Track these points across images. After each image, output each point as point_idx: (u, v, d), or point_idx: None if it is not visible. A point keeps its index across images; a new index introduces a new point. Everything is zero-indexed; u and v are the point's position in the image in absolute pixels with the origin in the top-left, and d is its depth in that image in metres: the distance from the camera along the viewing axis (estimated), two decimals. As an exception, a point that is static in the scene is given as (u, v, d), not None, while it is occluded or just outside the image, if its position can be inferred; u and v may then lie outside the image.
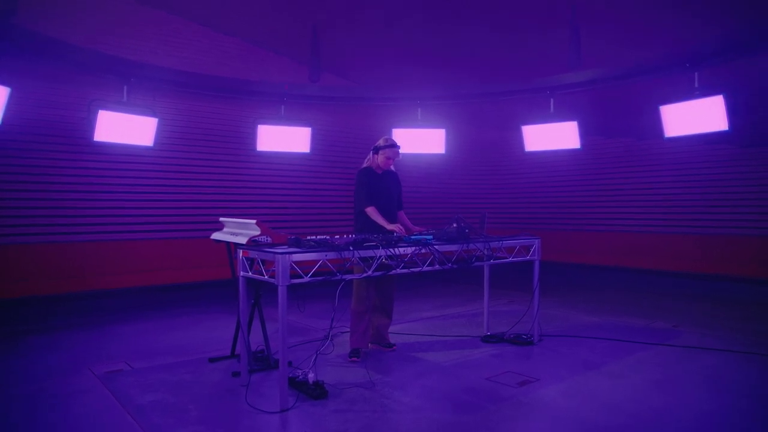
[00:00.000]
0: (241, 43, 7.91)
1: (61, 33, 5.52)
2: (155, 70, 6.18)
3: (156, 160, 7.28)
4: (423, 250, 3.57)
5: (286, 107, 6.89)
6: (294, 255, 3.05)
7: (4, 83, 4.65)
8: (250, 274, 3.33)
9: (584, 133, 6.35)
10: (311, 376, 3.29)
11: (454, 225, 3.86)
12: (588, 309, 5.97)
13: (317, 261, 3.18)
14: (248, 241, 3.37)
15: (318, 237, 3.38)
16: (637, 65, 5.66)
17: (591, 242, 9.63)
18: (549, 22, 5.96)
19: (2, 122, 4.71)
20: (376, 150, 4.19)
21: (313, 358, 3.46)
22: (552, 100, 6.43)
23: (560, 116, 6.38)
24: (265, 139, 6.71)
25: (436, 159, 8.19)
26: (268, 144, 6.75)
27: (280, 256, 2.98)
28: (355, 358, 4.00)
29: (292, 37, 7.48)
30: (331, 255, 3.19)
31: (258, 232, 3.41)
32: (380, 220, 3.98)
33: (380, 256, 3.39)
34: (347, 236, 3.57)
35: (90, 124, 5.47)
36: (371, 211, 4.02)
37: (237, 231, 3.69)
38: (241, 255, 3.36)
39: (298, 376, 3.38)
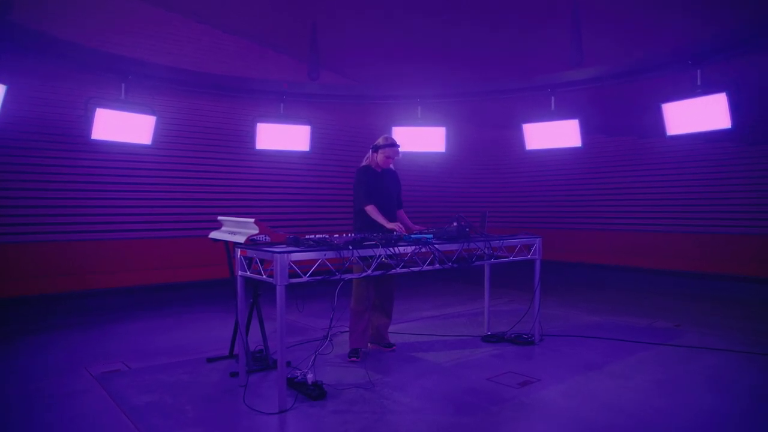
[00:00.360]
0: (240, 41, 7.87)
1: (58, 30, 5.48)
2: (154, 67, 6.14)
3: (154, 159, 7.24)
4: (423, 249, 3.53)
5: (286, 105, 6.85)
6: (292, 254, 3.01)
7: (0, 81, 4.61)
8: (248, 273, 3.29)
9: (585, 132, 6.32)
10: (310, 377, 3.26)
11: (455, 224, 3.82)
12: (589, 308, 5.93)
13: (316, 260, 3.14)
14: (246, 240, 3.33)
15: (317, 236, 3.34)
16: (639, 63, 5.63)
17: (592, 241, 9.60)
18: (550, 19, 5.92)
19: (-1, 120, 4.68)
20: (376, 149, 4.15)
21: (312, 358, 3.42)
22: (553, 98, 6.39)
23: (561, 114, 6.34)
24: (264, 137, 6.67)
25: (437, 157, 8.15)
26: (267, 142, 6.71)
27: (278, 255, 2.95)
28: (354, 358, 3.96)
29: (292, 34, 7.44)
30: (330, 254, 3.15)
31: (256, 231, 3.38)
32: (380, 219, 3.94)
33: (380, 256, 3.35)
34: (346, 235, 3.54)
35: (87, 123, 5.43)
36: (371, 210, 3.99)
37: (235, 230, 3.65)
38: (239, 254, 3.32)
39: (297, 376, 3.34)
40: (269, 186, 8.47)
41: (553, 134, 6.44)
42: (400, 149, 4.21)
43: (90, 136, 5.47)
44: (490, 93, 6.85)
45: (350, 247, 3.19)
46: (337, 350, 4.19)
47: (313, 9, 6.29)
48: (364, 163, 4.22)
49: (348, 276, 3.29)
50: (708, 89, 4.99)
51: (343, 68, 8.23)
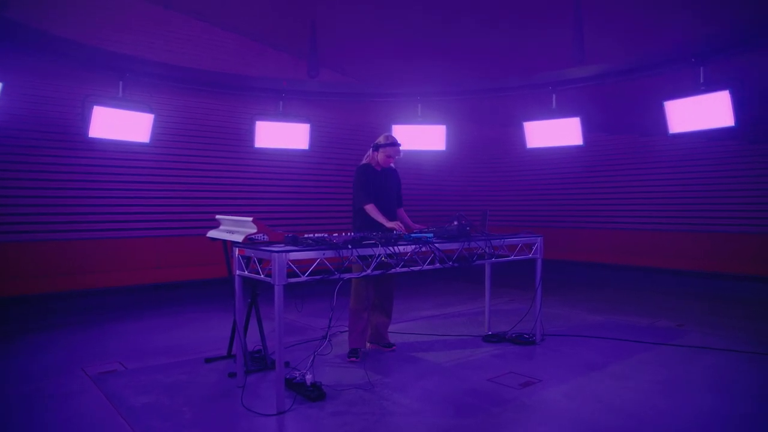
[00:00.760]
0: (239, 39, 7.82)
1: (54, 27, 5.42)
2: (151, 65, 6.09)
3: (152, 157, 7.19)
4: (423, 249, 3.49)
5: (285, 103, 6.80)
6: (291, 253, 2.97)
7: (-4, 78, 4.57)
8: (246, 272, 3.25)
9: (587, 130, 6.27)
10: (309, 377, 3.22)
11: (455, 223, 3.78)
12: (590, 308, 5.89)
13: (315, 259, 3.10)
14: (244, 239, 3.29)
15: (316, 235, 3.30)
16: (641, 60, 5.57)
17: (593, 240, 9.55)
18: (551, 16, 5.86)
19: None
20: (377, 147, 4.11)
21: (311, 359, 3.38)
22: (554, 95, 6.34)
23: (563, 112, 6.29)
24: (263, 135, 6.62)
25: (437, 156, 8.10)
26: (266, 140, 6.66)
27: (276, 254, 2.90)
28: (353, 359, 3.92)
29: (291, 32, 7.38)
30: (329, 253, 3.11)
31: (254, 230, 3.33)
32: (380, 218, 3.90)
33: (379, 255, 3.31)
34: (346, 234, 3.49)
35: (84, 120, 5.38)
36: (370, 209, 3.94)
37: (233, 229, 3.61)
38: (237, 253, 3.28)
39: (296, 377, 3.30)
40: (268, 185, 8.42)
41: (555, 132, 6.39)
42: (401, 149, 4.16)
43: (87, 134, 5.42)
44: (490, 91, 6.80)
45: (349, 246, 3.15)
46: (336, 350, 4.15)
47: (312, 6, 6.24)
48: (364, 162, 4.17)
49: (347, 275, 3.25)
50: (711, 87, 4.94)
51: (343, 66, 8.18)
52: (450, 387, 3.38)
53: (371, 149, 4.15)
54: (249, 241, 3.28)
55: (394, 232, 3.70)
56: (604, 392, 3.24)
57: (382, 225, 3.87)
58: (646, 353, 4.07)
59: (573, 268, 9.16)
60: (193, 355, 4.09)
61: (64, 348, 4.33)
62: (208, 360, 3.94)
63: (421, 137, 6.93)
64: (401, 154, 4.17)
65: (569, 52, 5.45)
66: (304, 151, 6.99)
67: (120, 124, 5.63)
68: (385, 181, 4.15)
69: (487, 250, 3.92)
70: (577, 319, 5.34)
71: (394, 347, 4.24)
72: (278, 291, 2.91)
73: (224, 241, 3.76)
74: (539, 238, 4.36)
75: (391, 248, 3.32)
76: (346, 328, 4.15)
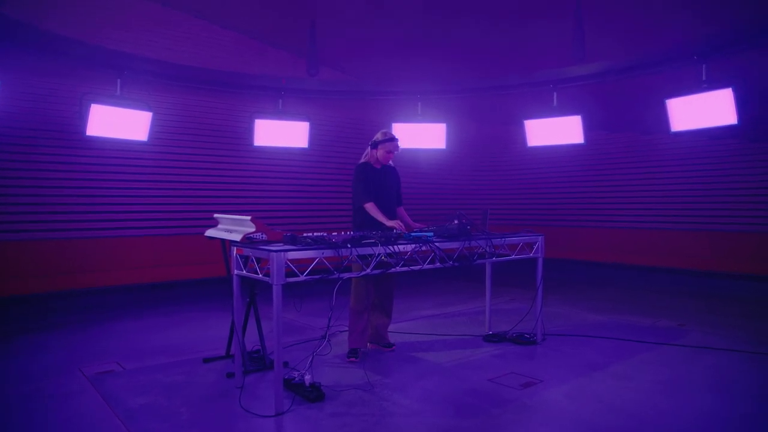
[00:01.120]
0: (238, 37, 7.78)
1: (52, 25, 5.39)
2: (150, 62, 6.06)
3: (150, 156, 7.16)
4: (423, 248, 3.45)
5: (284, 101, 6.77)
6: (289, 253, 2.93)
7: (-8, 76, 4.53)
8: (244, 272, 3.22)
9: (588, 128, 6.24)
10: (308, 378, 3.18)
11: (456, 221, 3.74)
12: (591, 307, 5.86)
13: (314, 259, 3.07)
14: (242, 238, 3.25)
15: (315, 234, 3.26)
16: (643, 57, 5.54)
17: (594, 239, 9.52)
18: (552, 13, 5.83)
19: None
20: (375, 145, 4.07)
21: (310, 359, 3.34)
22: (555, 93, 6.31)
23: (563, 110, 6.26)
24: (262, 133, 6.59)
25: (437, 154, 8.07)
26: (266, 139, 6.63)
27: (274, 253, 2.87)
28: (353, 359, 3.89)
29: (291, 30, 7.34)
30: (328, 252, 3.08)
31: (253, 229, 3.30)
32: (379, 217, 3.86)
33: (379, 254, 3.27)
34: (345, 233, 3.46)
35: (82, 118, 5.34)
36: (370, 207, 3.91)
37: (231, 228, 3.57)
38: (235, 252, 3.25)
39: (295, 377, 3.27)
40: (267, 183, 8.39)
41: (555, 130, 6.36)
42: (399, 143, 4.13)
43: (85, 133, 5.39)
44: (491, 89, 6.76)
45: (349, 246, 3.12)
46: (335, 350, 4.11)
47: (312, 4, 6.20)
48: (362, 160, 4.14)
49: (347, 275, 3.21)
50: (713, 84, 4.91)
51: (343, 64, 8.14)
52: (450, 387, 3.34)
53: (369, 147, 4.11)
54: (247, 240, 3.24)
55: (394, 231, 3.66)
56: (605, 393, 3.21)
57: (381, 224, 3.83)
58: (647, 353, 4.04)
59: (573, 267, 9.13)
60: (191, 354, 4.06)
61: (61, 348, 4.30)
62: (206, 360, 3.90)
63: (421, 135, 6.89)
64: (400, 148, 4.14)
65: (570, 49, 5.41)
66: (303, 149, 6.96)
67: (118, 122, 5.60)
68: (385, 180, 4.11)
69: (487, 249, 3.88)
70: (577, 318, 5.31)
71: (393, 347, 4.20)
72: (276, 291, 2.88)
73: (222, 240, 3.73)
74: (540, 237, 4.32)
75: (390, 247, 3.29)
76: (346, 328, 4.11)
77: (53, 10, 6.00)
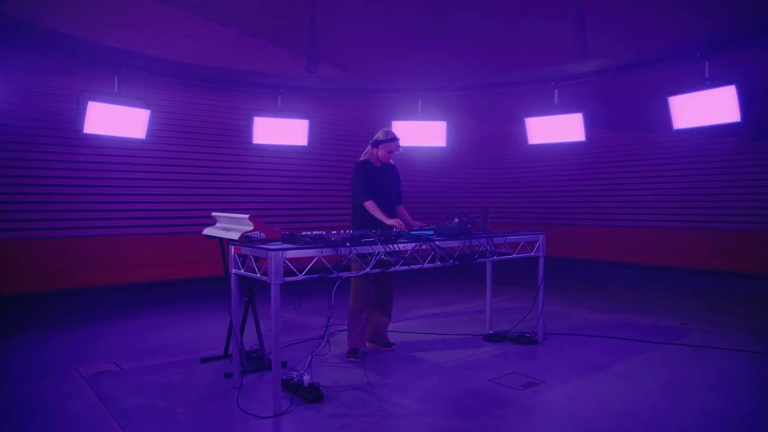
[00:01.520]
0: (237, 34, 7.70)
1: (48, 21, 5.34)
2: (148, 60, 6.00)
3: (148, 154, 7.11)
4: (423, 246, 3.41)
5: (283, 99, 6.72)
6: (288, 251, 2.89)
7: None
8: (242, 271, 3.18)
9: (589, 126, 6.19)
10: (306, 378, 3.15)
11: (456, 220, 3.70)
12: (593, 306, 5.82)
13: (313, 258, 3.03)
14: (241, 237, 3.21)
15: (314, 232, 3.22)
16: (645, 54, 5.49)
17: (595, 237, 9.48)
18: (553, 9, 5.77)
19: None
20: (376, 143, 4.02)
21: (309, 359, 3.31)
22: (556, 91, 6.26)
23: (565, 108, 6.22)
24: (261, 131, 6.54)
25: (437, 152, 8.01)
26: (265, 137, 6.59)
27: (272, 252, 2.83)
28: (352, 359, 3.85)
29: (290, 27, 7.27)
30: (327, 251, 3.03)
31: (251, 228, 3.25)
32: (379, 215, 3.82)
33: (379, 253, 3.23)
34: (344, 232, 3.42)
35: (79, 116, 5.30)
36: (370, 206, 3.87)
37: (229, 226, 3.53)
38: (232, 251, 3.21)
39: (293, 377, 3.23)
40: (266, 181, 8.34)
41: (557, 128, 6.32)
42: (400, 143, 4.08)
43: (82, 130, 5.34)
44: (492, 86, 6.71)
45: (348, 244, 3.07)
46: (334, 350, 4.08)
47: (312, 1, 6.15)
48: (362, 158, 4.09)
49: (345, 274, 3.17)
50: (717, 81, 4.86)
51: (343, 61, 8.07)
52: (451, 388, 3.31)
53: (370, 145, 4.07)
54: (245, 239, 3.20)
55: (394, 229, 3.62)
56: (607, 393, 3.17)
57: (381, 222, 3.79)
58: (649, 353, 4.00)
59: (573, 266, 9.09)
60: (189, 354, 4.02)
61: (58, 347, 4.26)
62: (204, 360, 3.87)
63: (422, 133, 6.85)
64: (401, 148, 4.09)
65: (571, 46, 5.36)
66: (302, 147, 6.92)
67: (116, 120, 5.56)
68: (385, 178, 4.07)
69: (488, 247, 3.84)
70: (578, 317, 5.27)
71: (393, 347, 4.17)
72: (275, 290, 2.84)
73: (220, 239, 3.69)
74: (541, 236, 4.28)
75: (390, 246, 3.25)
76: (345, 327, 4.08)
77: (51, 8, 5.95)
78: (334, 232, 3.37)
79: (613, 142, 9.45)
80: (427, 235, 3.49)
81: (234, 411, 2.94)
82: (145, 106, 5.76)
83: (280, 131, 6.65)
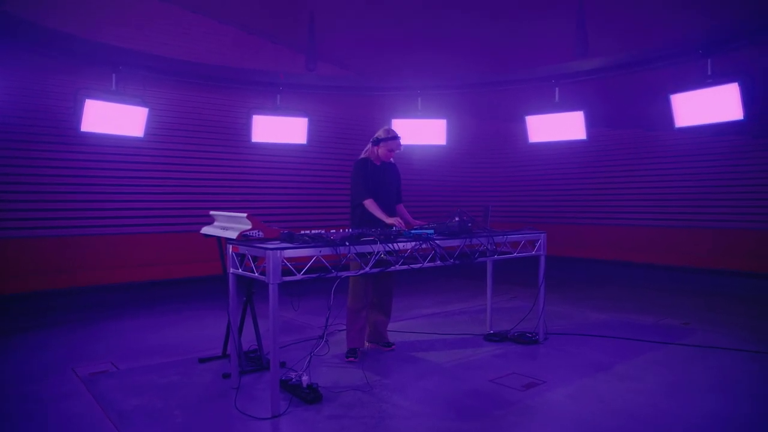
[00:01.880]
0: (236, 32, 7.68)
1: (46, 19, 5.30)
2: (146, 57, 5.97)
3: (147, 152, 7.07)
4: (423, 245, 3.38)
5: (282, 97, 6.68)
6: (286, 251, 2.85)
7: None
8: (240, 270, 3.14)
9: (590, 124, 6.15)
10: (305, 379, 3.11)
11: (456, 219, 3.66)
12: (594, 305, 5.79)
13: (311, 257, 2.99)
14: (239, 236, 3.18)
15: (313, 231, 3.18)
16: (647, 52, 5.44)
17: (596, 236, 9.44)
18: (554, 7, 5.73)
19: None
20: (377, 141, 3.98)
21: (308, 359, 3.27)
22: (557, 89, 6.22)
23: (566, 106, 6.17)
24: (260, 129, 6.50)
25: (437, 150, 7.99)
26: (264, 135, 6.55)
27: (270, 252, 2.79)
28: (351, 359, 3.82)
29: (289, 25, 7.25)
30: (326, 250, 3.00)
31: (249, 226, 3.22)
32: (379, 214, 3.78)
33: (378, 252, 3.20)
34: (344, 230, 3.38)
35: (76, 114, 5.26)
36: (369, 204, 3.83)
37: (227, 225, 3.50)
38: (230, 250, 3.17)
39: (292, 378, 3.20)
40: (265, 180, 8.30)
41: (557, 126, 6.27)
42: (401, 141, 4.05)
43: (79, 129, 5.30)
44: (492, 84, 6.67)
45: (347, 243, 3.04)
46: (334, 350, 4.04)
47: (311, -2, 6.11)
48: (362, 156, 4.05)
49: (345, 274, 3.13)
50: (719, 79, 4.81)
51: (342, 59, 8.05)
52: (451, 388, 3.27)
53: (370, 144, 4.03)
54: (243, 238, 3.17)
55: (394, 228, 3.59)
56: (611, 394, 3.14)
57: (381, 221, 3.76)
58: (652, 353, 3.96)
59: (574, 265, 9.06)
60: (187, 354, 3.99)
61: (56, 347, 4.23)
62: (202, 360, 3.83)
63: (422, 131, 6.81)
64: (402, 147, 4.06)
65: (572, 44, 5.32)
66: (302, 145, 6.88)
67: (113, 118, 5.51)
68: (385, 176, 4.03)
69: (489, 246, 3.80)
70: (580, 317, 5.23)
71: (393, 347, 4.13)
72: (273, 290, 2.80)
73: (219, 238, 3.65)
74: (542, 235, 4.24)
75: (390, 245, 3.21)
76: (344, 327, 4.04)
77: (51, 7, 5.91)
78: (333, 231, 3.34)
79: (614, 141, 9.41)
80: (427, 234, 3.46)
81: (232, 412, 2.91)
82: (143, 104, 5.72)
83: (279, 130, 6.60)
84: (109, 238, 6.80)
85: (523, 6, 5.90)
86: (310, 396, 3.02)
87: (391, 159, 4.10)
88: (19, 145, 6.28)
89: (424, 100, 6.85)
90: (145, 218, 7.17)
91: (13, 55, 5.56)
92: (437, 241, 3.44)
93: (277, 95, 6.63)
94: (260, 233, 3.24)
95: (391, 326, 4.35)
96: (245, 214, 3.26)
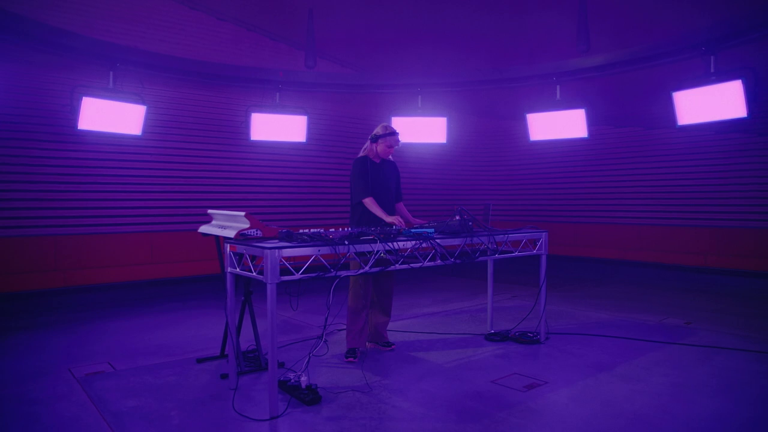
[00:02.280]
0: (235, 28, 7.63)
1: (42, 15, 5.25)
2: (144, 54, 5.91)
3: (144, 150, 7.01)
4: (424, 244, 3.33)
5: (281, 95, 6.62)
6: (284, 250, 2.81)
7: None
8: (237, 270, 3.10)
9: (592, 122, 6.09)
10: (304, 380, 3.07)
11: (457, 217, 3.62)
12: (596, 304, 5.75)
13: (310, 256, 2.95)
14: (237, 235, 3.14)
15: (311, 230, 3.14)
16: (649, 49, 5.38)
17: (597, 235, 9.39)
18: (555, 4, 5.68)
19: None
20: (375, 139, 3.94)
21: (307, 359, 3.23)
22: (558, 86, 6.16)
23: (567, 104, 6.12)
24: (259, 127, 6.45)
25: (438, 148, 7.95)
26: (262, 133, 6.49)
27: (268, 251, 2.74)
28: (351, 359, 3.78)
29: (288, 22, 7.20)
30: (325, 250, 2.95)
31: (247, 225, 3.18)
32: (378, 212, 3.74)
33: (378, 251, 3.15)
34: (343, 229, 3.33)
35: (73, 112, 5.20)
36: (369, 203, 3.78)
37: (225, 224, 3.46)
38: (228, 250, 3.13)
39: (290, 379, 3.16)
40: (264, 178, 8.25)
41: (559, 124, 6.22)
42: (399, 138, 4.00)
43: (77, 126, 5.24)
44: (493, 82, 6.60)
45: (346, 242, 2.99)
46: (333, 350, 4.00)
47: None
48: (361, 154, 4.01)
49: (344, 273, 3.09)
50: (722, 76, 4.76)
51: (341, 56, 8.00)
52: (452, 389, 3.23)
53: (369, 141, 3.98)
54: (241, 237, 3.13)
55: (394, 227, 3.54)
56: (614, 396, 3.10)
57: (381, 220, 3.71)
58: (655, 353, 3.92)
59: (576, 264, 9.02)
60: (184, 354, 3.94)
61: (50, 348, 4.18)
62: (199, 360, 3.79)
63: (422, 129, 6.75)
64: (400, 143, 4.01)
65: (574, 41, 5.28)
66: (301, 143, 6.82)
67: (111, 116, 5.45)
68: (384, 174, 3.99)
69: (489, 245, 3.76)
70: (582, 316, 5.19)
71: (393, 346, 4.09)
72: (271, 289, 2.76)
73: (217, 237, 3.61)
74: (544, 234, 4.20)
75: (390, 244, 3.17)
76: (344, 327, 4.00)
77: (47, 3, 5.86)
78: (333, 229, 3.29)
79: (616, 139, 9.36)
80: (428, 232, 3.41)
81: (229, 413, 2.87)
82: (141, 101, 5.66)
83: (278, 127, 6.55)
84: (106, 236, 6.75)
85: (525, 3, 5.85)
86: (308, 397, 2.98)
87: (390, 156, 4.06)
88: (15, 143, 6.22)
89: (424, 98, 6.79)
90: (142, 217, 7.11)
91: (8, 51, 5.51)
92: (437, 240, 3.40)
93: (276, 93, 6.57)
94: (258, 232, 3.20)
95: (390, 326, 4.31)
96: (243, 213, 3.22)
